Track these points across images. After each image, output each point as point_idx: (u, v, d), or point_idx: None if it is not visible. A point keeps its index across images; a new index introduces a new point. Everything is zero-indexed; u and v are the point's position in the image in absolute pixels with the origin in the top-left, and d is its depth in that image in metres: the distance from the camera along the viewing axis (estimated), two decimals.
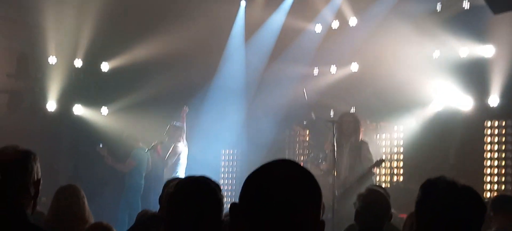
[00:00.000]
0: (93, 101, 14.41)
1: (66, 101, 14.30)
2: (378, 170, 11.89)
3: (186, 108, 12.06)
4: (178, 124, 11.74)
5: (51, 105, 14.11)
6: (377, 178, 12.32)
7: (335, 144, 9.84)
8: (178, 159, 11.59)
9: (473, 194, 2.68)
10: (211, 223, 2.99)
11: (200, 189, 3.05)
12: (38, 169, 2.87)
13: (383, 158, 10.63)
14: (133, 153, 12.49)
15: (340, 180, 10.04)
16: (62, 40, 13.80)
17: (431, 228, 2.64)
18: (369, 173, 9.91)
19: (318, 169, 11.64)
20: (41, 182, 2.84)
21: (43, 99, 14.06)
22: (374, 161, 10.04)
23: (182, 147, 11.67)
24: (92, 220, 5.08)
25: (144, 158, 12.48)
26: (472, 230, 2.65)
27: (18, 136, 10.60)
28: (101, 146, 12.44)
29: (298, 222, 1.71)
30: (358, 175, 9.90)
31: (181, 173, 11.33)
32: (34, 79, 13.98)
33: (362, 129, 10.50)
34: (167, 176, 10.52)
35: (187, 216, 2.98)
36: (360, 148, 10.10)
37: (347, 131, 10.08)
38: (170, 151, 11.59)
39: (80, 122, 14.38)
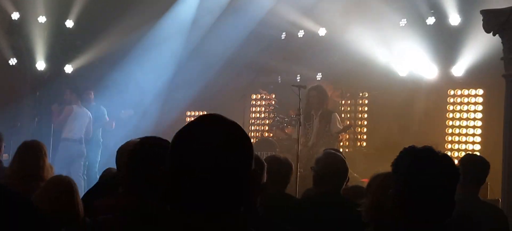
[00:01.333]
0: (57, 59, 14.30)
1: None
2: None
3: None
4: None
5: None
6: (341, 144, 12.42)
7: (300, 110, 9.91)
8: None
9: (450, 160, 2.77)
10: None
11: (161, 147, 3.05)
12: None
13: (351, 123, 10.83)
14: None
15: (307, 146, 10.23)
16: None
17: (408, 190, 2.68)
18: (336, 138, 10.20)
19: (283, 133, 11.75)
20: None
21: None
22: (341, 128, 10.25)
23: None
24: (52, 174, 5.06)
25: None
26: (447, 194, 2.70)
27: None
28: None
29: (225, 183, 1.73)
30: (326, 141, 10.11)
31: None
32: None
33: (328, 99, 10.74)
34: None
35: (149, 174, 3.00)
36: (330, 117, 10.41)
37: (315, 104, 10.40)
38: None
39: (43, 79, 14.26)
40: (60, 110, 11.84)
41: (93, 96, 12.46)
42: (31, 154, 5.18)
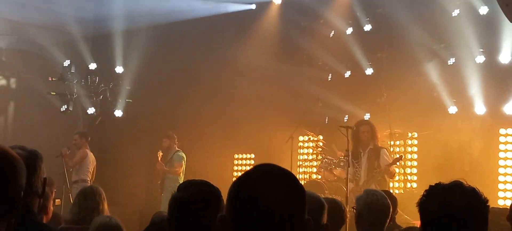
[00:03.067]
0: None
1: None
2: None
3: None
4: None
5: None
6: (391, 184, 12.26)
7: (349, 150, 9.83)
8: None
9: (476, 195, 2.59)
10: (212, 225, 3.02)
11: (202, 194, 3.10)
12: (44, 169, 2.88)
13: (401, 156, 10.62)
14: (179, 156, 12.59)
15: (358, 186, 10.03)
16: None
17: (432, 228, 2.57)
18: (387, 170, 9.89)
19: (331, 175, 11.63)
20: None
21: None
22: (391, 160, 10.04)
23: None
24: None
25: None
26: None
27: None
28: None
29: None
30: (377, 179, 9.91)
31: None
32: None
33: (378, 135, 10.53)
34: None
35: (189, 221, 3.07)
36: (379, 153, 10.12)
37: (365, 139, 10.11)
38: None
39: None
40: (70, 154, 12.34)
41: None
42: (90, 199, 5.28)
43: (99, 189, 5.55)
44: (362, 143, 10.22)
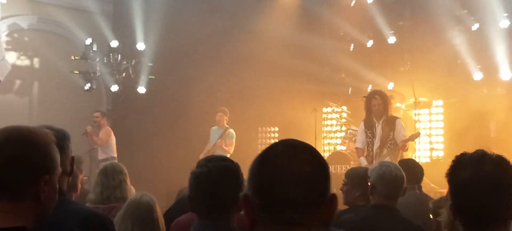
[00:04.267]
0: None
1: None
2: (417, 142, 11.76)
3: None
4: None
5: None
6: (417, 153, 12.19)
7: (363, 122, 9.79)
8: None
9: (505, 162, 2.54)
10: (232, 204, 3.08)
11: (221, 169, 3.11)
12: (71, 148, 2.90)
13: (419, 133, 10.41)
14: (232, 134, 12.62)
15: (370, 156, 9.88)
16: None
17: (462, 198, 2.55)
18: (403, 146, 9.68)
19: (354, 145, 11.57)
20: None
21: None
22: (408, 135, 9.84)
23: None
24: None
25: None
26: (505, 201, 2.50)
27: None
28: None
29: (312, 212, 1.83)
30: (390, 150, 9.71)
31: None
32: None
33: (391, 106, 10.29)
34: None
35: (209, 196, 3.08)
36: (394, 124, 9.85)
37: (377, 112, 9.87)
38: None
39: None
40: (94, 132, 12.42)
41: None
42: (111, 178, 5.26)
43: (120, 165, 5.48)
44: (375, 113, 9.97)
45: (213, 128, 12.61)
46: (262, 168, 1.85)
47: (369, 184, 4.63)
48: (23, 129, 2.18)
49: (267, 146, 1.91)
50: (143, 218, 4.09)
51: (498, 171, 2.51)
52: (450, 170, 2.61)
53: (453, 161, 2.61)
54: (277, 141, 1.97)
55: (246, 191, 1.87)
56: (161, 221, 4.13)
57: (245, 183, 1.97)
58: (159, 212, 4.20)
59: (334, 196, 1.87)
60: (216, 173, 3.08)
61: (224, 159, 3.21)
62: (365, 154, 9.82)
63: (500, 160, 2.53)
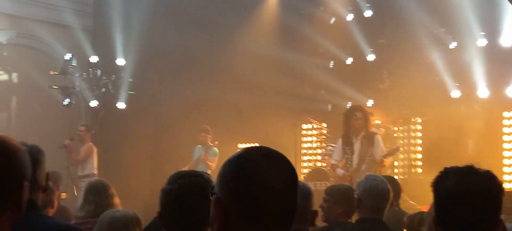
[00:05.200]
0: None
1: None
2: (395, 161, 11.81)
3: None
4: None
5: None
6: (396, 170, 12.25)
7: (341, 138, 9.83)
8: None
9: (491, 177, 2.54)
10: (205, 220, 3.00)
11: (192, 185, 3.02)
12: (46, 163, 2.87)
13: (398, 147, 10.44)
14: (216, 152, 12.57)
15: (349, 171, 9.88)
16: None
17: (446, 209, 2.53)
18: (381, 162, 9.69)
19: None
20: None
21: None
22: (386, 151, 9.87)
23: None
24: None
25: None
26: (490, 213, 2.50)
27: None
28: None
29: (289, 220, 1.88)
30: (369, 166, 9.72)
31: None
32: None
33: (371, 122, 10.34)
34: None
35: (179, 214, 3.00)
36: (373, 140, 9.88)
37: (358, 126, 9.89)
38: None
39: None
40: (74, 147, 12.22)
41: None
42: (104, 196, 5.26)
43: (107, 183, 5.51)
44: (354, 129, 9.92)
45: (197, 146, 12.59)
46: (245, 178, 1.84)
47: (355, 198, 4.65)
48: None
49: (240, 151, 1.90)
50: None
51: (486, 184, 2.49)
52: (437, 179, 2.58)
53: (441, 171, 2.59)
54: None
55: (219, 195, 1.85)
56: None
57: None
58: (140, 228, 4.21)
59: (298, 205, 1.91)
60: (186, 190, 2.98)
61: (196, 175, 3.07)
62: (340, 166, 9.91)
63: (488, 174, 2.52)
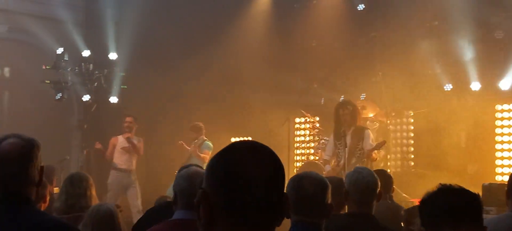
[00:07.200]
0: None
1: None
2: (383, 153, 11.84)
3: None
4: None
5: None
6: (388, 163, 12.28)
7: (332, 133, 9.89)
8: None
9: (468, 193, 2.87)
10: None
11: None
12: (40, 157, 2.87)
13: (384, 141, 10.48)
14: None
15: (339, 166, 9.95)
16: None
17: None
18: (369, 155, 9.75)
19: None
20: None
21: None
22: (374, 145, 9.90)
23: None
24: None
25: None
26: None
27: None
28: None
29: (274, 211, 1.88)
30: (358, 159, 9.77)
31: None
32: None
33: (360, 116, 10.41)
34: None
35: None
36: (363, 134, 9.96)
37: (345, 122, 9.99)
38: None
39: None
40: (128, 140, 12.19)
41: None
42: (76, 186, 5.26)
43: (86, 175, 5.52)
44: (343, 124, 10.06)
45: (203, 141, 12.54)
46: (227, 169, 1.85)
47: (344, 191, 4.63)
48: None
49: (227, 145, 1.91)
50: (103, 225, 4.19)
51: (466, 201, 2.83)
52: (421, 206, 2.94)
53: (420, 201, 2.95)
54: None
55: (205, 188, 1.86)
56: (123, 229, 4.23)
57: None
58: (121, 220, 4.28)
59: (286, 195, 1.91)
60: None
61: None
62: (331, 164, 9.92)
63: (463, 191, 2.87)
